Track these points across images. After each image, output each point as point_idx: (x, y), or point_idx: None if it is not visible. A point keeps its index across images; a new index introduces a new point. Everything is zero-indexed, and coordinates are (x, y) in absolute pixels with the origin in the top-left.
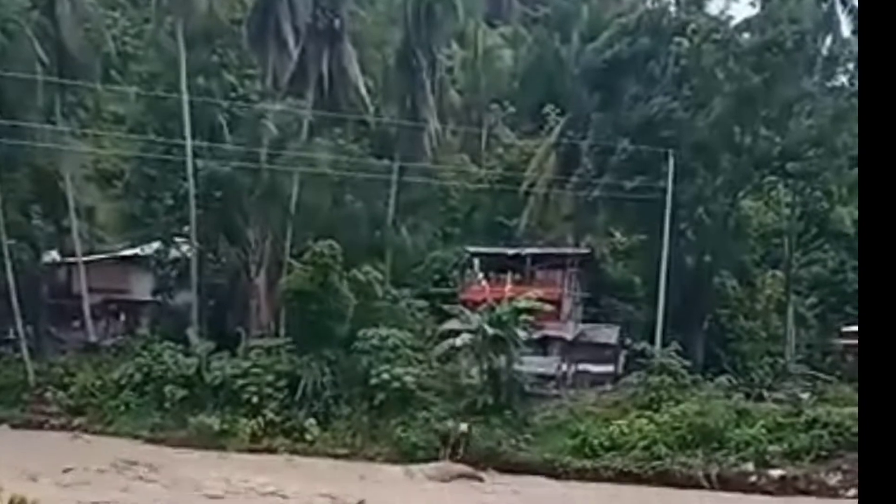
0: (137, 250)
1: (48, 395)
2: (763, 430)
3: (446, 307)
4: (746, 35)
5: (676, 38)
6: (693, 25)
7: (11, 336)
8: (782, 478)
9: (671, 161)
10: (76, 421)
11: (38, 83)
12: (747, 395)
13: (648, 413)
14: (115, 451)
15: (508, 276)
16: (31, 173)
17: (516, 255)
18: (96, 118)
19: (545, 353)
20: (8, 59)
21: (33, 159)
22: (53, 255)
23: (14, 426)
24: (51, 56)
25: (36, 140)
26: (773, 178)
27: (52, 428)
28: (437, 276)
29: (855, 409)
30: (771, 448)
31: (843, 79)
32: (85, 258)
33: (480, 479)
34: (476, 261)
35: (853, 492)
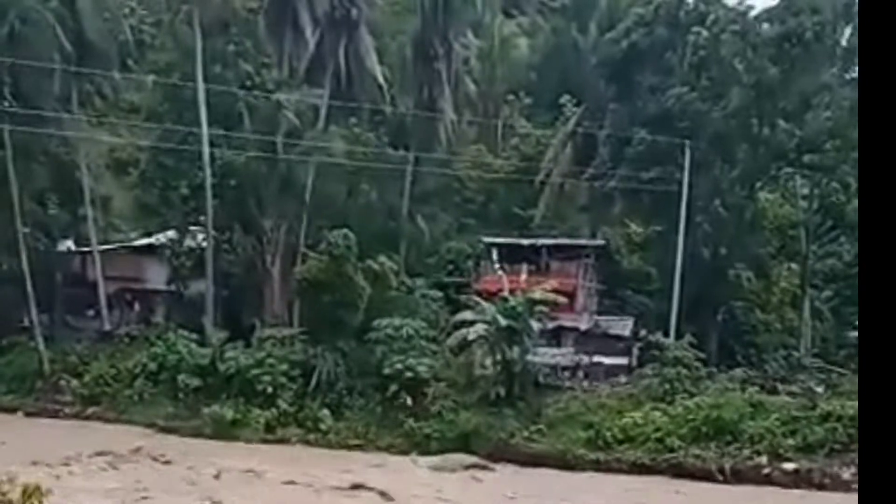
0: (152, 239)
1: (62, 383)
2: (777, 423)
3: (461, 297)
4: (766, 25)
5: (694, 29)
6: (712, 16)
7: (26, 324)
8: (796, 471)
9: (688, 152)
10: (90, 410)
11: (56, 72)
12: (761, 388)
13: (662, 405)
14: (128, 439)
15: (524, 267)
16: (48, 162)
17: (532, 246)
18: (113, 107)
19: (559, 345)
20: (27, 48)
21: (49, 148)
22: (69, 243)
23: (28, 414)
24: (68, 45)
25: (52, 128)
26: (790, 170)
27: (66, 416)
28: (451, 267)
29: None
30: (785, 441)
31: None
32: (100, 247)
33: (492, 471)
34: (491, 251)
35: None
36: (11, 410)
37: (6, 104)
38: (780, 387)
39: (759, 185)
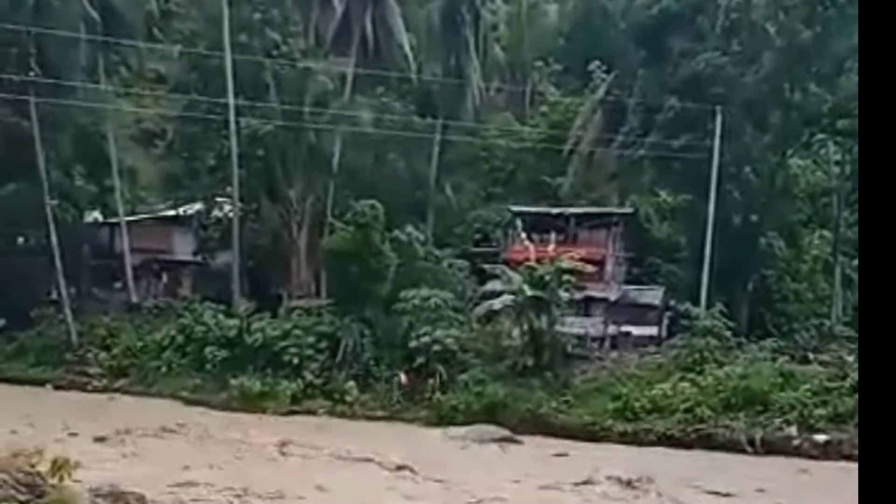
0: (179, 211)
1: (90, 356)
2: (808, 394)
3: (488, 267)
4: None
5: None
6: None
7: (54, 297)
8: (827, 442)
9: (718, 119)
10: (118, 383)
11: (81, 42)
12: (792, 358)
13: (691, 376)
14: (159, 412)
15: (552, 236)
16: (74, 133)
17: (560, 215)
18: (139, 77)
19: (588, 314)
20: (53, 18)
21: (76, 119)
22: (96, 215)
23: (57, 387)
24: (95, 14)
25: (79, 99)
26: (822, 135)
27: (95, 389)
28: (479, 236)
29: None
30: (816, 412)
31: None
32: (127, 218)
33: (520, 443)
34: (519, 220)
35: None
36: (40, 383)
37: (32, 75)
38: (811, 356)
39: (790, 151)
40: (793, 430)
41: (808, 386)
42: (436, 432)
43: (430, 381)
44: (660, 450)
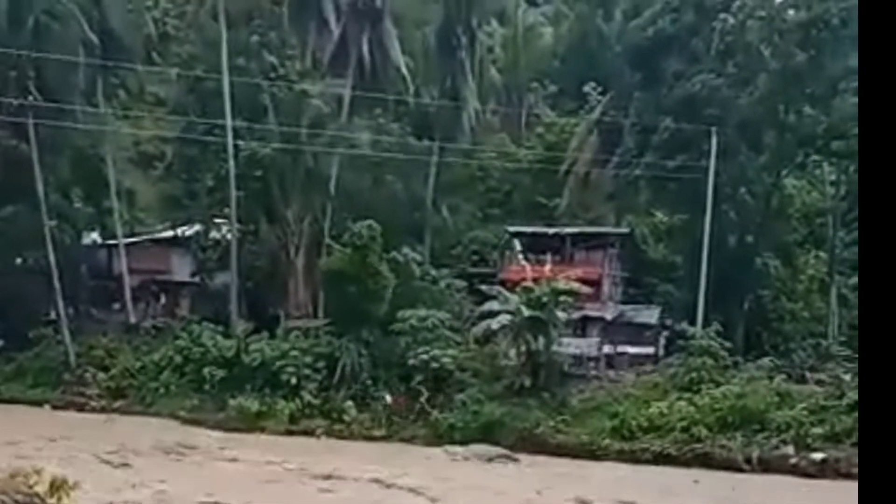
0: (178, 232)
1: (88, 376)
2: (804, 413)
3: (485, 288)
4: (792, 12)
5: (721, 15)
6: (738, 2)
7: (53, 317)
8: (823, 461)
9: (714, 139)
10: (116, 403)
11: (80, 65)
12: (789, 377)
13: (688, 395)
14: (155, 432)
15: (548, 257)
16: (73, 155)
17: (556, 235)
18: (137, 100)
19: (584, 334)
20: (53, 42)
21: (75, 141)
22: (94, 236)
23: (55, 407)
24: (93, 37)
25: (78, 122)
26: (817, 156)
27: (93, 410)
28: (476, 257)
29: None
30: (812, 430)
31: None
32: (126, 240)
33: (517, 461)
34: (516, 241)
35: None
36: (38, 403)
37: (31, 98)
38: (807, 375)
39: (785, 172)
40: (790, 449)
41: (804, 405)
42: (434, 451)
43: (428, 400)
44: (657, 468)
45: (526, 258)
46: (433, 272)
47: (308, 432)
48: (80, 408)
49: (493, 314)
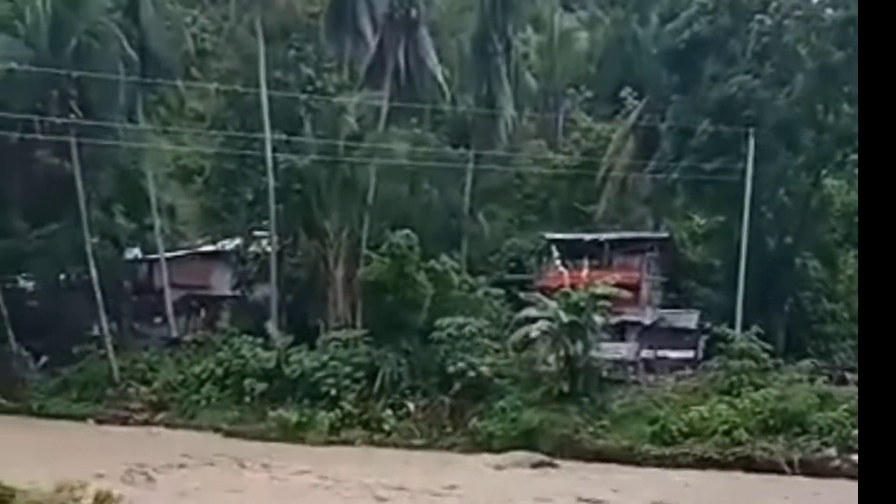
0: (218, 246)
1: (131, 390)
2: (846, 414)
3: (523, 295)
4: (829, 10)
5: (758, 16)
6: (775, 2)
7: (96, 332)
8: None
9: (752, 141)
10: (159, 416)
11: (121, 83)
12: (830, 379)
13: (728, 398)
14: (199, 445)
15: (586, 262)
16: (114, 172)
17: (594, 241)
18: (177, 116)
19: (623, 339)
20: (94, 60)
21: (116, 158)
22: (136, 251)
23: (99, 422)
24: (133, 55)
25: (119, 139)
26: (855, 155)
27: (136, 423)
28: (513, 264)
29: None
30: (855, 432)
31: None
32: (167, 254)
33: (557, 467)
34: (553, 247)
35: None
36: (82, 418)
37: (73, 116)
38: (848, 377)
39: (824, 171)
40: (832, 451)
41: (846, 406)
42: (473, 459)
43: (467, 408)
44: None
45: (564, 264)
46: (470, 280)
47: (347, 442)
48: (124, 421)
49: (531, 320)
